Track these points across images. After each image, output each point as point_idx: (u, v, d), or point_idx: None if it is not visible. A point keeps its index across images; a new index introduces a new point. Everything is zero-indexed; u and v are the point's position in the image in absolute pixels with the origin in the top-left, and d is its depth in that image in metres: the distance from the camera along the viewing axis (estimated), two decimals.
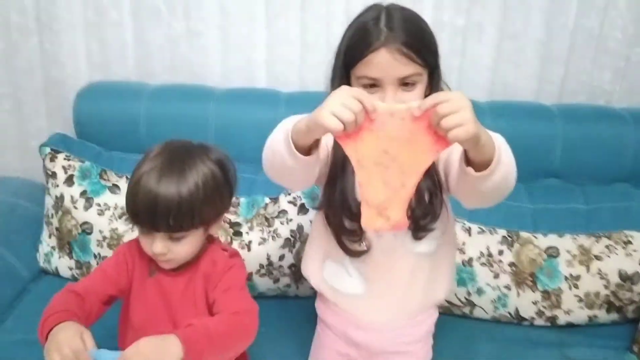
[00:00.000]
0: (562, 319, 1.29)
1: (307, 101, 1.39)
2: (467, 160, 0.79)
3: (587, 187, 1.40)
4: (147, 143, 1.43)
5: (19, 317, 1.26)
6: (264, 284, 1.33)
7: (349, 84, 0.89)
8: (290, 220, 1.32)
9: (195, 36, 1.55)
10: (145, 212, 0.87)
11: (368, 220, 0.82)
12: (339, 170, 0.92)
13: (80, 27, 1.56)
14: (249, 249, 1.30)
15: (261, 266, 1.31)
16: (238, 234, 1.31)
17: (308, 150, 0.82)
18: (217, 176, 0.92)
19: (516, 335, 1.28)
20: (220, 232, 1.31)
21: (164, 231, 0.88)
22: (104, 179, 1.38)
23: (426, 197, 0.92)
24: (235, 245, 1.30)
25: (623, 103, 1.52)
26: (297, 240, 1.31)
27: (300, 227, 1.31)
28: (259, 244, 1.31)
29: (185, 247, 0.91)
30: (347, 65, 0.89)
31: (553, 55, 1.50)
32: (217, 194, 0.92)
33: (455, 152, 0.86)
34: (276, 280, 1.32)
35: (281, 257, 1.31)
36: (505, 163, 0.78)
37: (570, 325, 1.29)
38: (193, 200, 0.87)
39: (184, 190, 0.87)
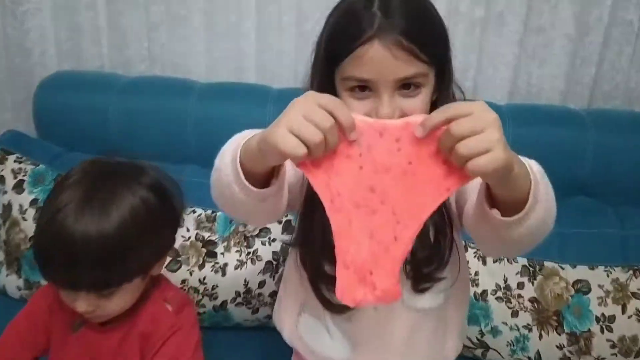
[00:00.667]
0: None
1: None
2: (490, 198, 0.60)
3: (622, 208, 1.22)
4: (117, 143, 1.31)
5: None
6: (240, 314, 1.14)
7: (332, 86, 0.71)
8: (273, 240, 1.14)
9: (177, 22, 1.40)
10: (61, 266, 0.69)
11: (345, 288, 0.61)
12: (316, 202, 0.73)
13: (48, 10, 1.43)
14: (223, 274, 1.12)
15: (237, 294, 1.12)
16: (212, 254, 1.13)
17: (266, 179, 0.63)
18: (152, 207, 0.74)
19: None
20: (192, 252, 1.13)
21: (86, 289, 0.70)
22: None
23: (431, 236, 0.73)
24: (208, 268, 1.12)
25: None
26: (280, 264, 1.13)
27: (284, 249, 1.13)
28: (236, 267, 1.12)
29: (117, 302, 0.74)
30: (329, 61, 0.70)
31: (584, 53, 1.35)
32: (154, 231, 0.74)
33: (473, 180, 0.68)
34: (255, 311, 1.14)
35: (261, 284, 1.13)
36: (543, 201, 0.59)
37: None
38: (121, 245, 0.69)
39: (109, 232, 0.69)
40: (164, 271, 1.10)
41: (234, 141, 0.65)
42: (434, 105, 0.71)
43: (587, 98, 1.38)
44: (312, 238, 0.74)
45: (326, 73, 0.71)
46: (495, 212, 0.59)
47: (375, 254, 0.60)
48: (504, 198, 0.58)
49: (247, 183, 0.62)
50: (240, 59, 1.41)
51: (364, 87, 0.68)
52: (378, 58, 0.65)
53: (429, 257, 0.74)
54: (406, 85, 0.68)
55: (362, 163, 0.59)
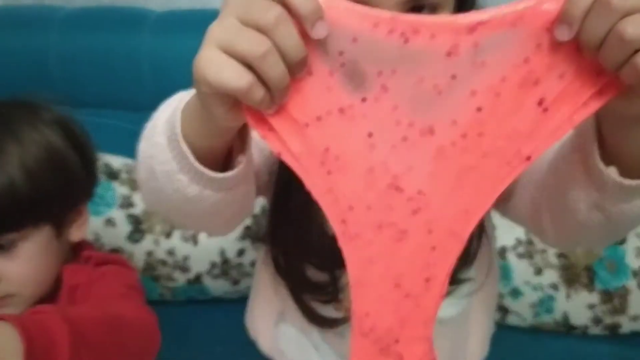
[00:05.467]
0: (627, 326, 0.98)
1: None
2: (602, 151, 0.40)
3: None
4: (61, 90, 1.13)
5: None
6: (218, 287, 0.99)
7: None
8: None
9: None
10: None
11: None
12: (292, 180, 0.54)
13: None
14: (195, 242, 0.95)
15: (213, 265, 0.96)
16: None
17: (223, 159, 0.44)
18: (57, 145, 0.63)
19: (564, 349, 0.98)
20: (156, 219, 0.95)
21: None
22: None
23: None
24: (177, 236, 0.95)
25: None
26: (260, 228, 0.96)
27: (265, 211, 0.95)
28: (208, 236, 0.95)
29: (24, 262, 0.59)
30: None
31: None
32: (63, 172, 0.63)
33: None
34: (235, 282, 0.98)
35: (240, 252, 0.96)
36: None
37: (636, 335, 0.99)
38: (19, 185, 0.59)
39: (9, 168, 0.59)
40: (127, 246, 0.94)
41: (163, 110, 0.45)
42: None
43: None
44: (287, 237, 0.56)
45: None
46: (613, 172, 0.40)
47: (403, 314, 0.39)
48: (630, 151, 0.38)
49: (200, 167, 0.42)
50: None
51: None
52: None
53: None
54: (417, 8, 0.46)
55: (372, 125, 0.34)
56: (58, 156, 0.62)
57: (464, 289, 0.60)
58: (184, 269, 0.96)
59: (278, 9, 0.32)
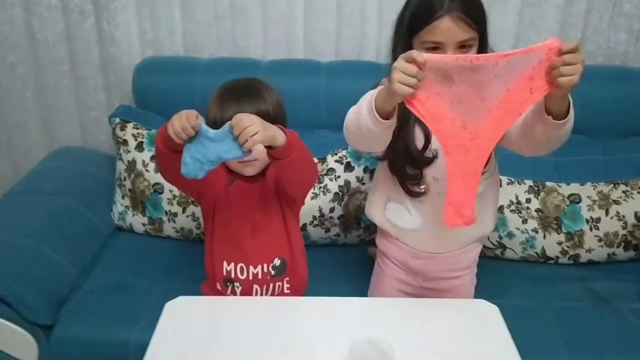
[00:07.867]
0: (584, 257, 1.42)
1: (346, 69, 1.58)
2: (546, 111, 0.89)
3: (606, 141, 1.53)
4: (202, 113, 1.61)
5: (104, 266, 1.42)
6: (316, 233, 1.48)
7: (410, 49, 0.99)
8: (338, 177, 1.47)
9: (239, 12, 1.67)
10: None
11: (449, 219, 0.87)
12: (403, 123, 1.05)
13: (133, 6, 1.69)
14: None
15: (314, 217, 1.46)
16: None
17: (387, 116, 0.93)
18: (279, 96, 1.11)
19: (543, 272, 1.42)
20: None
21: None
22: None
23: None
24: None
25: (638, 63, 1.64)
26: (345, 194, 1.46)
27: (347, 183, 1.46)
28: (312, 198, 1.45)
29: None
30: (411, 32, 1.01)
31: (571, 20, 1.62)
32: (283, 109, 1.11)
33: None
34: (327, 230, 1.48)
35: (331, 210, 1.46)
36: (572, 117, 0.90)
37: (591, 263, 1.43)
38: (271, 109, 1.06)
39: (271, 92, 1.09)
40: None
41: (363, 101, 0.96)
42: None
43: None
44: (399, 151, 1.08)
45: (407, 42, 1.03)
46: (550, 118, 0.88)
47: (464, 193, 0.84)
48: (555, 110, 0.87)
49: (381, 119, 0.91)
50: (291, 40, 1.68)
51: (435, 47, 0.99)
52: (448, 27, 0.97)
53: None
54: (462, 46, 0.99)
55: (453, 98, 0.78)
56: (282, 102, 1.08)
57: (485, 175, 1.09)
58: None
59: (413, 66, 0.83)
